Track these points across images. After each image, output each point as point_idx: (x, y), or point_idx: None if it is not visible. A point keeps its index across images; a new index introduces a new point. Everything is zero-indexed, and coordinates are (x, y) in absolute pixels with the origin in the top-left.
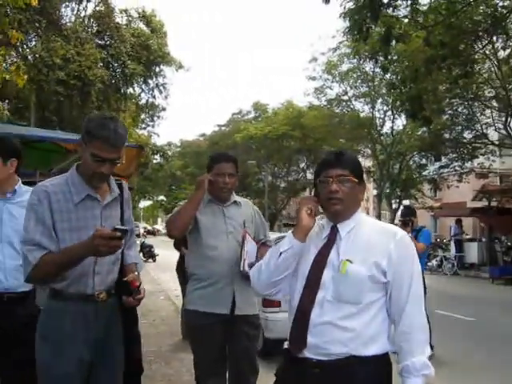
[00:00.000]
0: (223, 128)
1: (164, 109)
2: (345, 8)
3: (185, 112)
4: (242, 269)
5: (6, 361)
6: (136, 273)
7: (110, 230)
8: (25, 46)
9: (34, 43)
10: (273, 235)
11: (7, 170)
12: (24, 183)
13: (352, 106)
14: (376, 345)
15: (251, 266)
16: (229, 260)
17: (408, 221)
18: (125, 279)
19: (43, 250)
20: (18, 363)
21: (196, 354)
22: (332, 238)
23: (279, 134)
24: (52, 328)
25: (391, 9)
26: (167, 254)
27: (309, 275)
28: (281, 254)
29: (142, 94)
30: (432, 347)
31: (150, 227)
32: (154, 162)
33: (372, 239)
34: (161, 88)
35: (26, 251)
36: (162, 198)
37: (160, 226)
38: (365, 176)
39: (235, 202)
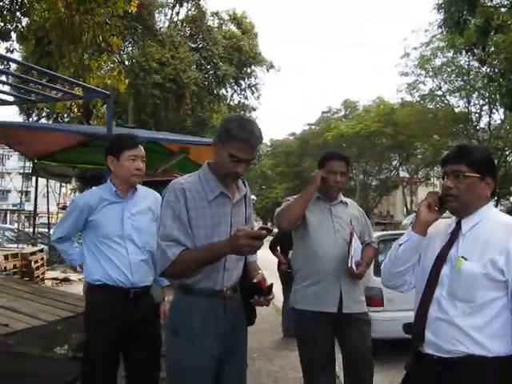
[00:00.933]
0: (313, 127)
1: (255, 109)
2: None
3: (275, 112)
4: (349, 265)
5: (128, 359)
6: (260, 271)
7: (257, 229)
8: (122, 52)
9: (130, 49)
10: (375, 234)
11: (124, 166)
12: None
13: (446, 101)
14: (498, 346)
15: (357, 264)
16: (336, 257)
17: None
18: (255, 280)
19: (181, 247)
20: (139, 361)
21: (304, 353)
22: (454, 233)
23: (370, 131)
24: (183, 323)
25: None
26: (264, 252)
27: (430, 271)
28: (400, 245)
29: (234, 95)
30: None
31: None
32: None
33: (492, 235)
34: (253, 88)
35: (164, 246)
36: (253, 197)
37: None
38: None
39: (342, 201)
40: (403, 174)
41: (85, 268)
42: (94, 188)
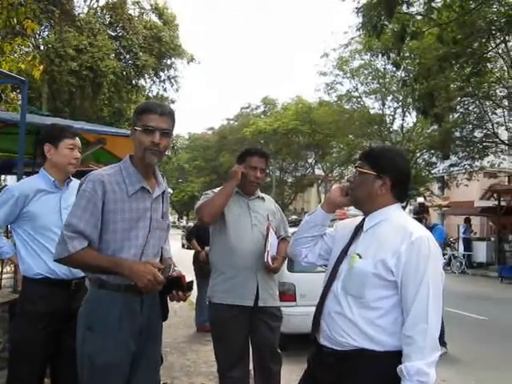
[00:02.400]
0: (232, 122)
1: (174, 101)
2: (359, 3)
3: (194, 105)
4: (265, 260)
5: (56, 350)
6: (176, 268)
7: (166, 275)
8: (37, 36)
9: (46, 33)
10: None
11: (63, 155)
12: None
13: (362, 103)
14: (389, 341)
15: (273, 258)
16: (253, 252)
17: (421, 218)
18: (175, 274)
19: (84, 241)
20: (67, 352)
21: (220, 346)
22: (358, 229)
23: (288, 129)
24: (99, 318)
25: (405, 6)
26: (175, 245)
27: (333, 264)
28: (307, 215)
29: (153, 87)
30: (445, 344)
31: None
32: None
33: (388, 236)
34: (172, 81)
35: (66, 237)
36: (169, 190)
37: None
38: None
39: (259, 196)
40: (318, 171)
41: (20, 262)
42: (27, 178)
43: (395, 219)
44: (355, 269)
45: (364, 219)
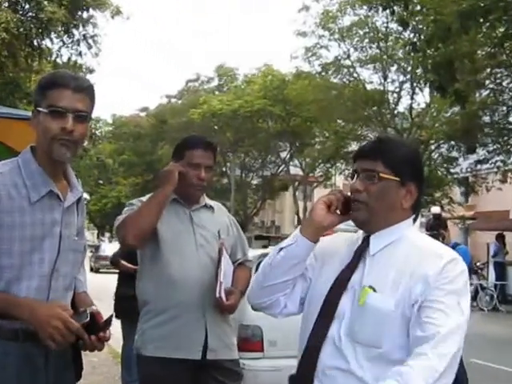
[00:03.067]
0: (174, 100)
1: (92, 70)
2: None
3: (121, 77)
4: (217, 295)
5: None
6: (94, 306)
7: (79, 321)
8: None
9: None
10: (253, 252)
11: None
12: None
13: (356, 75)
14: None
15: (228, 292)
16: (199, 283)
17: (437, 235)
18: (88, 310)
19: None
20: None
21: None
22: (360, 253)
23: (253, 111)
24: None
25: None
26: (97, 279)
27: (325, 300)
28: (281, 249)
29: (63, 50)
30: None
31: None
32: None
33: (410, 261)
34: (90, 41)
35: None
36: (85, 196)
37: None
38: None
39: (206, 205)
40: (295, 170)
41: None
42: None
43: (412, 238)
44: (368, 306)
45: (367, 238)
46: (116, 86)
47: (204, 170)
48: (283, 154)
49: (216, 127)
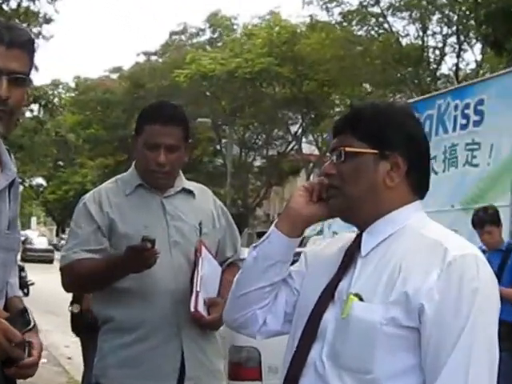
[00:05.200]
0: (154, 59)
1: (49, 20)
2: None
3: (87, 30)
4: (192, 308)
5: None
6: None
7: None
8: None
9: None
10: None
11: None
12: None
13: (387, 26)
14: None
15: (211, 303)
16: (173, 293)
17: (484, 233)
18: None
19: None
20: None
21: None
22: (350, 254)
23: (255, 72)
24: None
25: None
26: (47, 279)
27: (309, 316)
28: (254, 248)
29: None
30: None
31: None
32: (28, 115)
33: (407, 259)
34: None
35: None
36: (39, 181)
37: (35, 232)
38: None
39: (185, 189)
40: (309, 148)
41: None
42: None
43: (416, 228)
44: (353, 318)
45: (359, 236)
46: (80, 41)
47: (165, 151)
48: (294, 128)
49: (207, 93)
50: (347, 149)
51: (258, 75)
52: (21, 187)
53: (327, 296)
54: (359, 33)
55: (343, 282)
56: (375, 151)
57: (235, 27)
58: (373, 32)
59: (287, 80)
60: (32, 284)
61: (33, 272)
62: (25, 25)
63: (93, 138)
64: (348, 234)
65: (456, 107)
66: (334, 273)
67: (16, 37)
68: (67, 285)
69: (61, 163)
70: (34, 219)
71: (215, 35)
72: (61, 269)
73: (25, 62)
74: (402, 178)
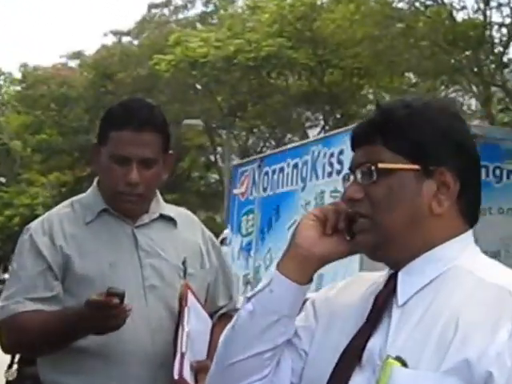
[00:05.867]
0: (126, 40)
1: None
2: None
3: (34, 3)
4: (176, 376)
5: None
6: None
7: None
8: None
9: None
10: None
11: None
12: None
13: None
14: None
15: (200, 367)
16: (149, 355)
17: None
18: None
19: None
20: None
21: None
22: (382, 303)
23: (261, 58)
24: None
25: None
26: None
27: (330, 379)
28: (249, 299)
29: None
30: None
31: None
32: None
33: (468, 312)
34: None
35: None
36: None
37: None
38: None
39: (163, 216)
40: None
41: None
42: None
43: (468, 268)
44: None
45: (391, 280)
46: (28, 19)
47: (138, 167)
48: (313, 132)
49: (198, 86)
50: (380, 165)
51: (265, 62)
52: None
53: (352, 359)
54: (400, 5)
55: (374, 339)
56: (417, 167)
57: None
58: (418, 4)
59: (304, 68)
60: None
61: None
62: None
63: (45, 147)
64: (369, 274)
65: (325, 155)
66: (357, 327)
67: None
68: (7, 345)
69: (2, 180)
70: None
71: (208, 9)
72: None
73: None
74: (452, 201)
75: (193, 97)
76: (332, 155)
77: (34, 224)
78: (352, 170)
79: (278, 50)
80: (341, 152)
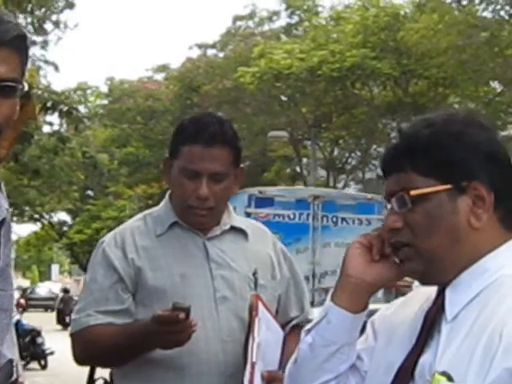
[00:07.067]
0: (211, 53)
1: (72, 5)
2: None
3: (121, 18)
4: None
5: None
6: None
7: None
8: None
9: None
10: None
11: None
12: None
13: None
14: None
15: (271, 379)
16: (220, 365)
17: None
18: None
19: None
20: None
21: None
22: (430, 319)
23: (345, 69)
24: None
25: None
26: (69, 348)
27: None
28: (308, 332)
29: None
30: None
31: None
32: (46, 131)
33: (508, 319)
34: None
35: None
36: (62, 217)
37: (57, 285)
38: None
39: (234, 228)
40: None
41: None
42: None
43: None
44: None
45: (439, 296)
46: (115, 33)
47: (208, 181)
48: None
49: (283, 97)
50: (412, 192)
51: (350, 72)
52: (37, 225)
53: (405, 375)
54: (484, 14)
55: (425, 355)
56: (449, 186)
57: (319, 9)
58: (502, 13)
59: (388, 78)
60: (51, 354)
61: (52, 338)
62: (42, 10)
63: (132, 160)
64: (426, 288)
65: None
66: (411, 343)
67: (2, 32)
68: (79, 357)
69: (90, 193)
70: (55, 267)
71: (293, 20)
72: (71, 335)
73: (13, 65)
74: (489, 213)
75: (278, 108)
76: None
77: (107, 237)
78: (387, 198)
79: (362, 61)
80: None
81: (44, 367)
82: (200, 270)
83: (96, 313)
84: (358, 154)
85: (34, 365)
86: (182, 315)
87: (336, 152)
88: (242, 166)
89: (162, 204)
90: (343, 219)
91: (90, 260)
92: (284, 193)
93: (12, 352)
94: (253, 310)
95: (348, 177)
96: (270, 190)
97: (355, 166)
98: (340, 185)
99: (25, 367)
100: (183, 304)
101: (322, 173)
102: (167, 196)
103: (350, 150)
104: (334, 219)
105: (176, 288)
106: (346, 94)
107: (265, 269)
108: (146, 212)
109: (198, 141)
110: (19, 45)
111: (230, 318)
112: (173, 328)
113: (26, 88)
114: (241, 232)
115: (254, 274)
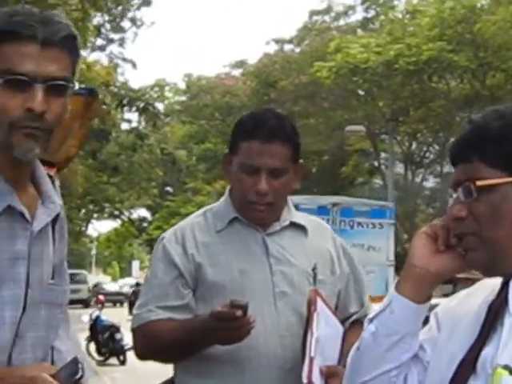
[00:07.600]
0: (288, 48)
1: (149, 3)
2: None
3: (198, 15)
4: (305, 380)
5: None
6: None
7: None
8: None
9: None
10: None
11: None
12: None
13: None
14: None
15: (330, 374)
16: (279, 360)
17: None
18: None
19: None
20: None
21: None
22: (493, 312)
23: (422, 62)
24: None
25: None
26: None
27: None
28: (370, 322)
29: None
30: None
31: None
32: (124, 128)
33: None
34: None
35: None
36: (142, 213)
37: (138, 279)
38: None
39: (294, 224)
40: None
41: None
42: None
43: None
44: None
45: (506, 285)
46: (192, 30)
47: (267, 177)
48: None
49: (360, 92)
50: (478, 182)
51: (426, 66)
52: (117, 222)
53: (467, 368)
54: None
55: (487, 348)
56: None
57: (395, 3)
58: None
59: (465, 71)
60: (130, 349)
61: (128, 332)
62: (119, 8)
63: (210, 156)
64: (491, 280)
65: None
66: (474, 336)
67: (53, 32)
68: (140, 351)
69: (169, 189)
70: (135, 263)
71: (369, 14)
72: (132, 330)
73: (65, 65)
74: None
75: (355, 103)
76: None
77: (167, 233)
78: (453, 188)
79: (438, 54)
80: None
81: (123, 362)
82: (259, 265)
83: (157, 308)
84: (436, 147)
85: (113, 360)
86: (239, 312)
87: (414, 146)
88: (301, 161)
89: (222, 199)
90: (359, 223)
91: (152, 256)
92: (307, 201)
93: (67, 346)
94: (311, 305)
95: (426, 170)
96: (295, 198)
97: (433, 160)
98: (418, 179)
99: (104, 363)
100: (241, 301)
101: (401, 166)
102: (227, 192)
103: (428, 144)
104: (351, 223)
105: (235, 283)
106: (423, 88)
107: (324, 264)
108: (207, 207)
109: (256, 136)
110: (69, 44)
111: (289, 313)
112: (231, 325)
113: (76, 87)
114: (301, 228)
115: (314, 269)
